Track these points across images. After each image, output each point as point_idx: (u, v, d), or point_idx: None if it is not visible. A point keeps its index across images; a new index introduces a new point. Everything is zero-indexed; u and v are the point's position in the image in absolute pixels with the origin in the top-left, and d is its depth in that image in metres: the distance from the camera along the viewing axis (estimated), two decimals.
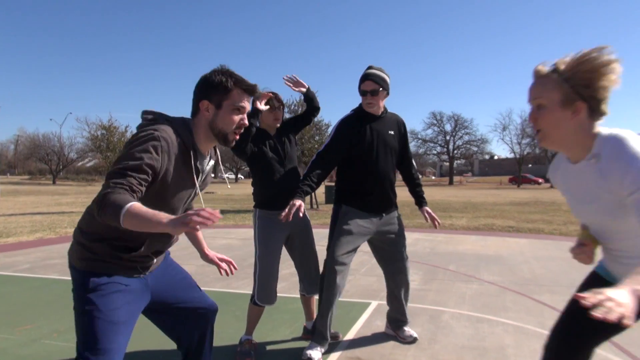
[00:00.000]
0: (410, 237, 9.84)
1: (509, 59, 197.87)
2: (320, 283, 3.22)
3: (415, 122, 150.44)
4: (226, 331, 3.70)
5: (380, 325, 3.89)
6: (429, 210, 3.49)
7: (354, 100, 3.52)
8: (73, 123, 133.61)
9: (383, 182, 3.29)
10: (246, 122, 1.91)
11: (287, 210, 2.79)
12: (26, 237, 9.61)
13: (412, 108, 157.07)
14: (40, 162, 59.80)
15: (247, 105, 1.92)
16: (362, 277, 5.83)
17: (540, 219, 13.66)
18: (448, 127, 64.66)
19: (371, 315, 4.17)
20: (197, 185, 1.95)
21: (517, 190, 38.93)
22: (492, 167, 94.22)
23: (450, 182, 60.85)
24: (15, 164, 67.86)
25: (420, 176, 3.67)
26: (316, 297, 3.49)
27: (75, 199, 24.62)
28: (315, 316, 3.54)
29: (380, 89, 3.16)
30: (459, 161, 74.95)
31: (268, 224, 3.19)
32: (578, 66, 1.53)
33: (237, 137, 1.93)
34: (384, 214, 3.34)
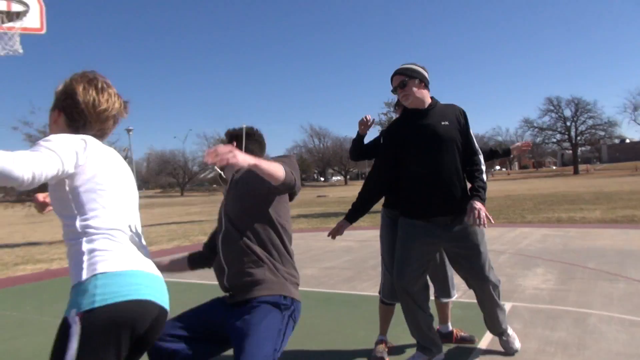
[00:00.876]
0: (538, 232, 9.19)
1: (631, 31, 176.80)
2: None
3: (529, 110, 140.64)
4: (356, 333, 3.74)
5: (518, 328, 3.66)
6: (475, 205, 2.77)
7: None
8: (194, 139, 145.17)
9: (440, 181, 2.83)
10: None
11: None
12: (165, 245, 10.60)
13: (525, 96, 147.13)
14: (169, 176, 65.85)
15: None
16: None
17: None
18: (567, 113, 59.68)
19: (508, 317, 3.94)
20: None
21: None
22: (623, 152, 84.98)
23: (575, 172, 55.91)
24: (148, 179, 75.48)
25: (484, 170, 2.96)
26: (451, 300, 3.41)
27: (202, 209, 26.66)
28: (449, 320, 3.45)
29: (408, 78, 2.89)
30: (583, 148, 68.76)
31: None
32: None
33: None
34: (449, 221, 2.88)
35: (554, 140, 64.58)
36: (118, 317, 1.46)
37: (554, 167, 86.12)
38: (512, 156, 3.85)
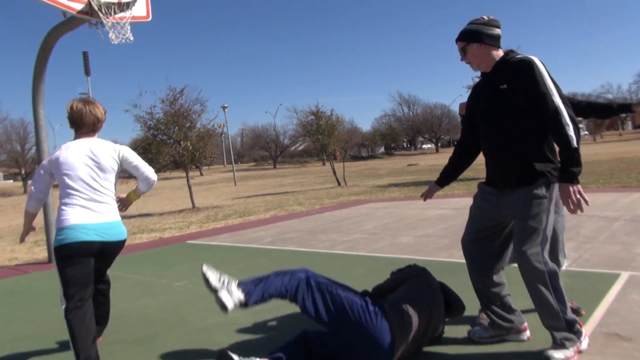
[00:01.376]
0: (630, 197, 8.35)
1: None
2: None
3: None
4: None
5: (638, 298, 3.40)
6: (564, 189, 2.46)
7: None
8: (284, 112, 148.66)
9: (492, 148, 2.71)
10: None
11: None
12: (263, 215, 11.09)
13: (638, 47, 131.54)
14: (262, 150, 68.32)
15: None
16: (602, 245, 5.17)
17: None
18: None
19: (624, 288, 3.68)
20: None
21: None
22: None
23: None
24: (243, 153, 78.96)
25: (571, 130, 2.43)
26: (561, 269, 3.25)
27: (294, 180, 27.43)
28: None
29: (466, 44, 2.67)
30: None
31: None
32: None
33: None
34: (504, 191, 2.66)
35: None
36: (65, 253, 2.85)
37: None
38: (627, 115, 3.40)
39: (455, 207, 9.31)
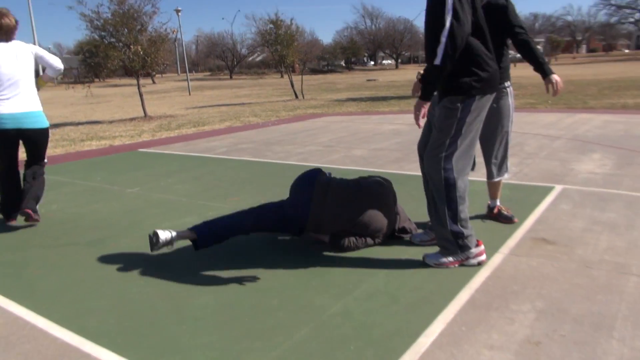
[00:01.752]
0: (599, 118, 8.78)
1: None
2: None
3: None
4: (405, 206, 3.88)
5: (567, 208, 3.69)
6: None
7: None
8: (242, 20, 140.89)
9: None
10: None
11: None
12: (218, 126, 10.93)
13: None
14: (218, 59, 65.50)
15: None
16: (542, 160, 5.47)
17: None
18: None
19: (556, 199, 3.97)
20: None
21: None
22: None
23: None
24: (198, 62, 75.49)
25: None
26: (502, 179, 3.51)
27: (250, 91, 26.81)
28: (498, 197, 3.52)
29: None
30: None
31: None
32: None
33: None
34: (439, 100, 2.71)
35: (632, 20, 58.53)
36: None
37: (627, 51, 78.97)
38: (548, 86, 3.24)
39: (409, 122, 9.46)
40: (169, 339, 2.12)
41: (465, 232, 2.71)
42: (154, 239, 2.84)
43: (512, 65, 2.99)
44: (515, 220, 3.46)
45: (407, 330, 2.10)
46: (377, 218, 3.01)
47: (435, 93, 2.77)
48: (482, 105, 2.64)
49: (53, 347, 2.11)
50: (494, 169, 3.47)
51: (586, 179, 4.59)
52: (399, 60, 71.06)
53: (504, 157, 3.44)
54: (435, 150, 2.65)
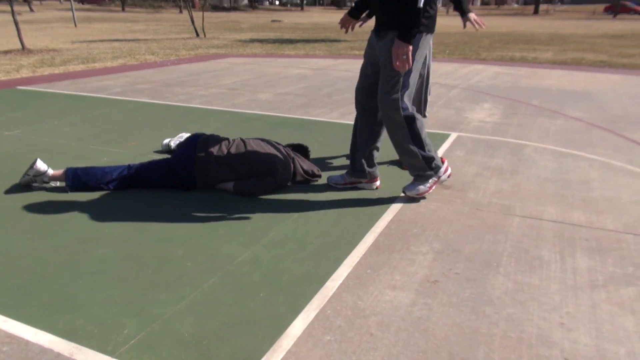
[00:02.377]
0: (490, 70, 9.34)
1: None
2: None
3: None
4: (313, 148, 3.89)
5: (461, 155, 3.93)
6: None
7: None
8: None
9: None
10: None
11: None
12: (110, 63, 10.04)
13: None
14: None
15: None
16: (440, 109, 5.74)
17: (638, 53, 12.38)
18: None
19: (452, 146, 4.21)
20: None
21: (612, 21, 34.79)
22: None
23: (536, 12, 55.01)
24: None
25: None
26: None
27: (146, 27, 24.81)
28: None
29: None
30: None
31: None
32: None
33: None
34: (379, 37, 2.76)
35: None
36: None
37: (516, 5, 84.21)
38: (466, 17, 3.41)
39: (315, 67, 9.39)
40: (64, 295, 1.97)
41: (435, 155, 2.93)
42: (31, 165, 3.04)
43: None
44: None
45: (315, 275, 2.14)
46: (265, 153, 3.09)
47: (373, 31, 2.82)
48: (427, 42, 2.77)
49: None
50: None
51: (478, 127, 4.90)
52: (304, 2, 69.49)
53: (420, 102, 3.56)
54: (391, 90, 2.71)
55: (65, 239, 2.45)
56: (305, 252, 2.35)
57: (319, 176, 3.30)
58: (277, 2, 74.49)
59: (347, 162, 3.72)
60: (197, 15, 20.65)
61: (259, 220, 2.69)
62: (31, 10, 40.87)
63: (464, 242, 2.47)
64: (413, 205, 2.93)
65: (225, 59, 10.88)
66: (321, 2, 77.80)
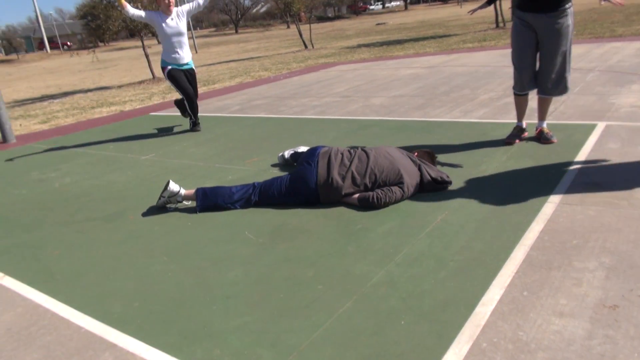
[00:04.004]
0: (630, 47, 8.21)
1: None
2: None
3: None
4: (439, 155, 3.60)
5: (616, 147, 3.37)
6: None
7: None
8: None
9: None
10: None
11: None
12: (229, 83, 10.57)
13: None
14: (221, 13, 63.76)
15: None
16: (577, 96, 5.08)
17: None
18: None
19: (602, 138, 3.64)
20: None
21: None
22: None
23: None
24: (202, 17, 73.68)
25: None
26: (553, 98, 3.70)
27: (258, 45, 26.06)
28: (545, 116, 3.78)
29: None
30: None
31: (519, 23, 3.56)
32: None
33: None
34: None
35: None
36: None
37: None
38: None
39: (428, 65, 8.98)
40: (200, 322, 1.94)
41: None
42: (165, 187, 3.17)
43: None
44: (554, 140, 3.65)
45: (461, 299, 1.88)
46: (389, 163, 2.89)
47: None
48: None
49: (76, 337, 1.94)
50: (549, 85, 3.56)
51: (630, 112, 4.22)
52: (408, 1, 68.28)
53: (562, 75, 3.53)
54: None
55: (198, 260, 2.46)
56: (446, 271, 2.09)
57: (449, 183, 3.00)
58: (379, 5, 74.03)
59: (478, 166, 3.37)
60: (304, 28, 21.18)
61: (389, 235, 2.49)
62: (159, 42, 45.19)
63: None
64: (566, 210, 2.52)
65: (334, 67, 10.90)
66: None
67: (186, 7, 5.41)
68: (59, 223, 3.25)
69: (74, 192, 3.91)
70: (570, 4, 3.41)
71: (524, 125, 3.84)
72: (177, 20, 5.31)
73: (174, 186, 3.15)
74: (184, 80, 5.44)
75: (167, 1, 5.23)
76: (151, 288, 2.25)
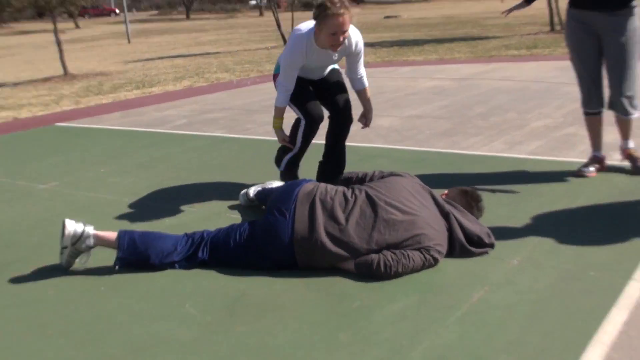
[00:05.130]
0: None
1: None
2: None
3: None
4: None
5: None
6: None
7: None
8: None
9: None
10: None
11: None
12: (172, 86, 10.65)
13: None
14: None
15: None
16: None
17: None
18: None
19: None
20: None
21: None
22: None
23: None
24: None
25: None
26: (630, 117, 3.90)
27: (217, 36, 26.51)
28: (629, 134, 3.99)
29: None
30: None
31: (576, 26, 3.89)
32: None
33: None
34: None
35: None
36: None
37: None
38: None
39: (457, 76, 9.16)
40: None
41: None
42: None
43: None
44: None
45: None
46: (407, 218, 2.80)
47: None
48: None
49: None
50: (626, 103, 3.82)
51: None
52: None
53: (631, 88, 3.82)
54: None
55: (112, 346, 2.34)
56: None
57: (491, 246, 2.95)
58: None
59: (531, 219, 3.35)
60: (284, 17, 21.58)
61: (401, 319, 2.41)
62: (77, 26, 45.75)
63: None
64: None
65: None
66: None
67: None
68: None
69: None
70: (635, 3, 3.70)
71: (602, 155, 4.04)
72: None
73: (71, 225, 2.90)
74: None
75: None
76: None
